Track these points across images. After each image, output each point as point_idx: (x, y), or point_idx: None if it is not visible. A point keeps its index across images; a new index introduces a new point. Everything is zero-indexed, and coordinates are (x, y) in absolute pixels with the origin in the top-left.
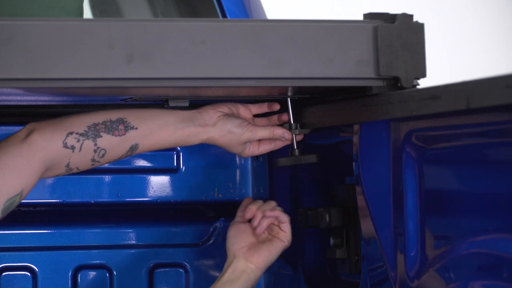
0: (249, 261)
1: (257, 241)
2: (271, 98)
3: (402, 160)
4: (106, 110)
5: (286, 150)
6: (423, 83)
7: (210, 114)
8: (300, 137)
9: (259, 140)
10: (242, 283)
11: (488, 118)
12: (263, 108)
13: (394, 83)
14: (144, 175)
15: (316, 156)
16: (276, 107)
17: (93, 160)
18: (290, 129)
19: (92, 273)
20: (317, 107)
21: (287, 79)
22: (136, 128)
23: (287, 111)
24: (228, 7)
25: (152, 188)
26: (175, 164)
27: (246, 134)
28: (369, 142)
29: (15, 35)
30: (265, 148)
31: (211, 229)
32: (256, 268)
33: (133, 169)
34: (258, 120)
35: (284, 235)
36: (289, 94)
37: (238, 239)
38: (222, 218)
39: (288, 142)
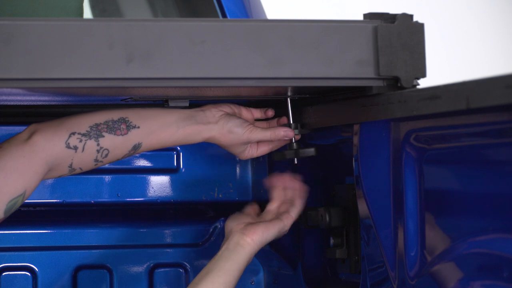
0: (245, 234)
1: (255, 221)
2: (271, 98)
3: (402, 160)
4: (108, 110)
5: (285, 148)
6: (423, 83)
7: (213, 112)
8: (298, 137)
9: (258, 142)
10: (237, 256)
11: (488, 118)
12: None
13: (394, 83)
14: (144, 175)
15: (315, 149)
16: (268, 114)
17: (96, 160)
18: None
19: (92, 273)
20: (317, 107)
21: (287, 79)
22: (138, 127)
23: (287, 111)
24: (228, 7)
25: (152, 188)
26: (175, 164)
27: (247, 135)
28: (369, 142)
29: (15, 35)
30: (263, 149)
31: (211, 229)
32: (251, 241)
33: (133, 169)
34: (258, 124)
35: (288, 218)
36: (289, 94)
37: (236, 217)
38: (222, 218)
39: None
